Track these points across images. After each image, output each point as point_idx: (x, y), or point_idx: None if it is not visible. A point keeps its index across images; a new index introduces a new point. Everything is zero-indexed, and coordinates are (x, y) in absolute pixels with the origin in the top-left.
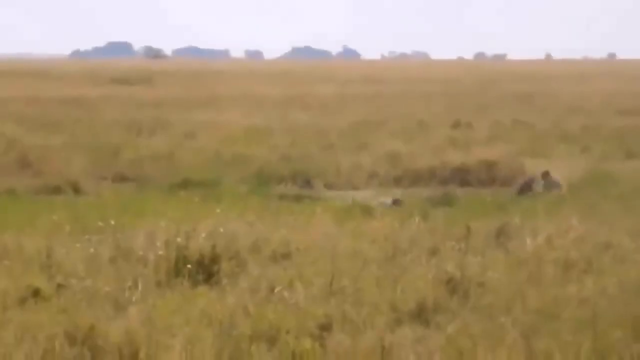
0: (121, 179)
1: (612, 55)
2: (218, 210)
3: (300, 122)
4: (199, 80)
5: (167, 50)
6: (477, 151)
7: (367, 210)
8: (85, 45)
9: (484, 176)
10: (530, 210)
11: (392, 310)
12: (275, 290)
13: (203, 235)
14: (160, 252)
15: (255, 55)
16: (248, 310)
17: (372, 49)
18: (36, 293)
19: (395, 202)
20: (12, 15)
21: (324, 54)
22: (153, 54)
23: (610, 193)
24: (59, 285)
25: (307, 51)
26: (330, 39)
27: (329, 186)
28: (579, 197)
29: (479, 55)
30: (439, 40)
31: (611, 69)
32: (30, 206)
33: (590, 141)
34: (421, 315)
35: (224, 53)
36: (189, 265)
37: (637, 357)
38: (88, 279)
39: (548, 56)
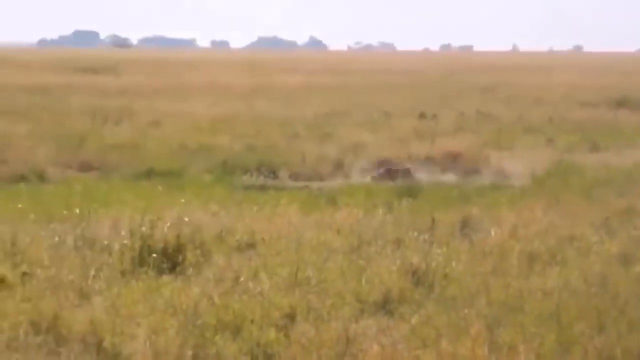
0: (86, 167)
1: (578, 48)
2: (182, 200)
3: (266, 112)
4: (165, 70)
5: (134, 39)
6: (442, 142)
7: (331, 201)
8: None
9: (449, 167)
10: (495, 201)
11: (357, 301)
12: (240, 280)
13: (168, 224)
14: (125, 241)
15: (221, 44)
16: (213, 300)
17: (338, 40)
18: (1, 281)
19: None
20: None
21: (290, 45)
22: (119, 43)
23: (574, 185)
24: (24, 274)
25: (273, 41)
26: (296, 29)
27: (294, 176)
28: (543, 189)
29: (445, 47)
30: (405, 31)
31: (577, 62)
32: None
33: (554, 133)
34: (386, 306)
35: (190, 42)
36: (153, 255)
37: (600, 350)
38: (52, 267)
39: (514, 48)
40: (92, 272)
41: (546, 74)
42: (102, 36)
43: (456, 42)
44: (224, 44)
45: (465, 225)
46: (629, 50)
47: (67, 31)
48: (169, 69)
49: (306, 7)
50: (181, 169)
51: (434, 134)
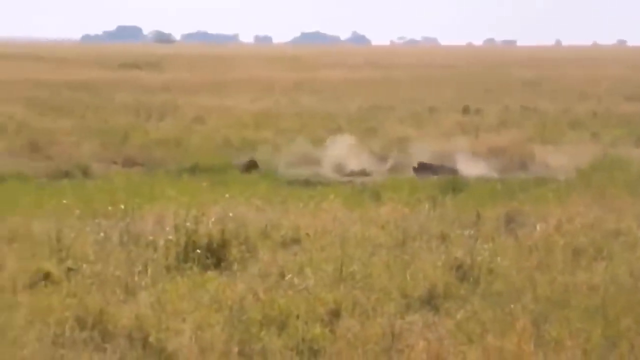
0: (130, 163)
1: (622, 42)
2: (227, 195)
3: (309, 106)
4: (208, 65)
5: (177, 34)
6: (487, 137)
7: (375, 195)
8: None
9: (493, 162)
10: (540, 196)
11: (402, 296)
12: (285, 276)
13: (212, 220)
14: (170, 237)
15: (264, 40)
16: (258, 295)
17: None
18: (46, 276)
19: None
20: None
21: (333, 40)
22: (163, 38)
23: (619, 179)
24: (69, 269)
25: (316, 36)
26: (339, 24)
27: (338, 171)
28: (588, 183)
29: (489, 41)
30: (449, 26)
31: (621, 56)
32: (40, 190)
33: (599, 127)
34: (431, 301)
35: (233, 38)
36: (198, 250)
37: None
38: (98, 263)
39: (558, 42)
40: (138, 268)
41: (590, 68)
42: (145, 32)
43: (499, 37)
44: (267, 39)
45: (510, 220)
46: None
47: (111, 27)
48: (212, 64)
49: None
50: (225, 164)
51: (478, 128)
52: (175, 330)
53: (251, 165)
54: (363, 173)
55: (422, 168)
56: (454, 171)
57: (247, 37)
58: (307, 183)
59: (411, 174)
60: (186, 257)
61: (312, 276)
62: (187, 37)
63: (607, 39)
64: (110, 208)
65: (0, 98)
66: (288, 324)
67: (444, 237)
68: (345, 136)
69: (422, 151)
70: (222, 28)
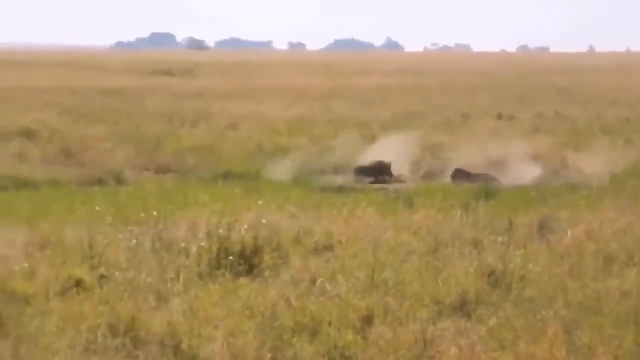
0: (163, 170)
1: None
2: (260, 202)
3: (343, 113)
4: (242, 72)
5: (210, 41)
6: (520, 143)
7: (408, 202)
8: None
9: (527, 168)
10: (572, 202)
11: (434, 303)
12: (317, 282)
13: (245, 226)
14: (202, 244)
15: (297, 47)
16: (290, 302)
17: (414, 41)
18: (78, 283)
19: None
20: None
21: (367, 46)
22: (196, 45)
23: None
24: (101, 276)
25: (350, 43)
26: (373, 31)
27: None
28: (620, 189)
29: (522, 48)
30: (482, 32)
31: None
32: (73, 196)
33: (631, 134)
34: (463, 307)
35: (267, 44)
36: (230, 257)
37: None
38: (130, 270)
39: (591, 49)
40: (170, 275)
41: (623, 74)
42: (179, 38)
43: (533, 43)
44: (300, 46)
45: (542, 226)
46: None
47: (144, 33)
48: (245, 71)
49: (383, 8)
50: (258, 170)
51: (511, 135)
52: (207, 337)
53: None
54: (397, 180)
55: (458, 175)
56: (490, 178)
57: (280, 44)
58: (340, 190)
59: (445, 180)
60: (218, 263)
61: (344, 283)
62: (221, 43)
63: None
64: (142, 215)
65: (34, 105)
66: (320, 331)
67: (476, 244)
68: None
69: (456, 158)
70: (256, 35)
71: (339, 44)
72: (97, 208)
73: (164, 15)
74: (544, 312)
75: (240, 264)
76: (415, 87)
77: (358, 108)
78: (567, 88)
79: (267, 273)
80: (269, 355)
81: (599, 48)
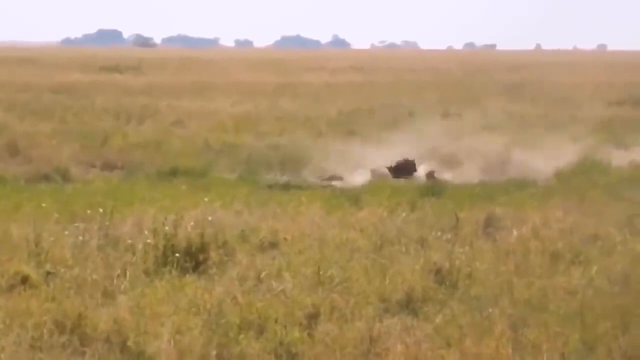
0: (110, 166)
1: (602, 47)
2: (206, 199)
3: (290, 110)
4: (189, 69)
5: (157, 38)
6: (467, 141)
7: (354, 199)
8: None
9: (473, 166)
10: (519, 200)
11: (380, 300)
12: (264, 280)
13: (191, 223)
14: (149, 241)
15: (245, 43)
16: (236, 299)
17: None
18: (25, 280)
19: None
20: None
21: (314, 43)
22: (143, 42)
23: (598, 183)
24: (48, 273)
25: (297, 40)
26: (320, 28)
27: (317, 175)
28: (567, 187)
29: (469, 45)
30: (429, 30)
31: (601, 60)
32: (19, 193)
33: (579, 131)
34: (409, 305)
35: (214, 42)
36: (177, 254)
37: (625, 349)
38: (76, 267)
39: (538, 47)
40: (116, 272)
41: (571, 72)
42: (126, 35)
43: (480, 41)
44: (247, 43)
45: (489, 224)
46: None
47: (91, 30)
48: (192, 68)
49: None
50: (205, 167)
51: (458, 132)
52: (154, 334)
53: (402, 169)
54: (339, 177)
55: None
56: (431, 174)
57: (227, 41)
58: (286, 186)
59: (390, 177)
60: (165, 260)
61: (291, 280)
62: (168, 40)
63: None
64: (89, 212)
65: None
66: (266, 328)
67: (422, 241)
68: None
69: (402, 155)
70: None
71: (285, 40)
72: (43, 205)
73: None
74: (490, 309)
75: (186, 261)
76: (363, 84)
77: (305, 105)
78: (514, 85)
79: (213, 270)
80: (214, 352)
81: (545, 46)
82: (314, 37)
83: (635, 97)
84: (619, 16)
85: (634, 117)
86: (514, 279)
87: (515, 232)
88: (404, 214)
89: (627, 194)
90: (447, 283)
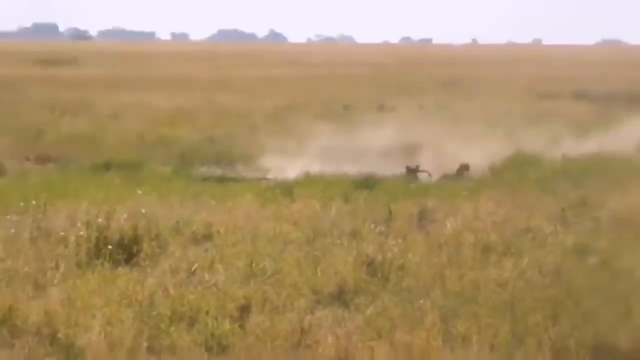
0: (44, 159)
1: (537, 41)
2: (139, 192)
3: (226, 104)
4: (125, 62)
5: (93, 31)
6: (401, 134)
7: (288, 192)
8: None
9: (408, 159)
10: (452, 193)
11: (312, 292)
12: (196, 272)
13: (124, 216)
14: (81, 233)
15: (181, 37)
16: (168, 291)
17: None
18: None
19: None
20: None
21: (251, 37)
22: (79, 35)
23: (531, 177)
24: None
25: (233, 34)
26: (256, 22)
27: (252, 168)
28: (500, 181)
29: (405, 40)
30: (365, 24)
31: (536, 54)
32: None
33: (513, 125)
34: (341, 297)
35: (150, 35)
36: (109, 246)
37: (554, 340)
38: (8, 259)
39: (474, 41)
40: (48, 264)
41: (506, 66)
42: (62, 29)
43: (416, 35)
44: (184, 37)
45: (422, 216)
46: (587, 42)
47: (27, 23)
48: (128, 61)
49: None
50: (139, 160)
51: (393, 125)
52: (85, 326)
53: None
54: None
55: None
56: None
57: (164, 34)
58: (220, 180)
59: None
60: (97, 253)
61: (223, 272)
62: (104, 34)
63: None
64: (22, 204)
65: None
66: (198, 320)
67: (355, 234)
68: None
69: (337, 148)
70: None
71: (222, 34)
72: None
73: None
74: (421, 301)
75: (119, 253)
76: (299, 78)
77: (241, 99)
78: (450, 80)
79: (145, 262)
80: (145, 344)
81: (481, 40)
82: (251, 31)
83: (568, 91)
84: (554, 11)
85: (567, 111)
86: (445, 271)
87: (448, 225)
88: (337, 207)
89: (559, 187)
90: (379, 275)
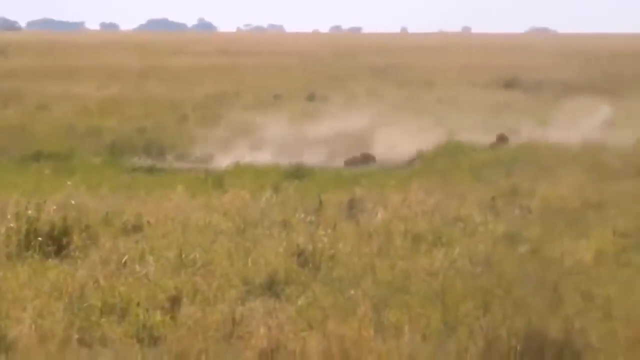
0: None
1: (466, 29)
2: (69, 183)
3: (155, 94)
4: (54, 52)
5: (22, 22)
6: (332, 124)
7: (219, 183)
8: None
9: (339, 148)
10: (383, 182)
11: (243, 283)
12: (126, 263)
13: (54, 207)
14: (11, 225)
15: (110, 27)
16: (98, 282)
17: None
18: None
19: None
20: None
21: (180, 27)
22: (7, 25)
23: (461, 165)
24: None
25: (163, 23)
26: (186, 11)
27: (182, 158)
28: (431, 169)
29: (335, 29)
30: (295, 13)
31: (466, 43)
32: None
33: (443, 114)
34: (272, 287)
35: (79, 25)
36: (39, 238)
37: (486, 330)
38: None
39: (404, 30)
40: None
41: (436, 55)
42: None
43: (346, 24)
44: (113, 27)
45: (352, 206)
46: (517, 31)
47: None
48: (58, 51)
49: None
50: (69, 151)
51: (323, 115)
52: (15, 319)
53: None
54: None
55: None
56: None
57: (93, 24)
58: (151, 170)
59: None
60: (27, 244)
61: (153, 263)
62: (33, 24)
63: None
64: None
65: None
66: (129, 311)
67: (285, 224)
68: None
69: (268, 138)
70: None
71: (152, 24)
72: None
73: None
74: (352, 291)
75: (49, 245)
76: (229, 67)
77: (171, 89)
78: (381, 69)
79: (76, 254)
80: (76, 336)
81: (411, 29)
82: (180, 21)
83: (499, 79)
84: None
85: (498, 99)
86: (376, 261)
87: (378, 214)
88: (267, 197)
89: (490, 176)
90: (310, 265)
